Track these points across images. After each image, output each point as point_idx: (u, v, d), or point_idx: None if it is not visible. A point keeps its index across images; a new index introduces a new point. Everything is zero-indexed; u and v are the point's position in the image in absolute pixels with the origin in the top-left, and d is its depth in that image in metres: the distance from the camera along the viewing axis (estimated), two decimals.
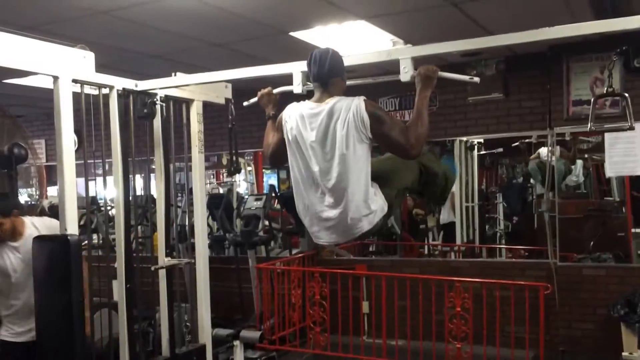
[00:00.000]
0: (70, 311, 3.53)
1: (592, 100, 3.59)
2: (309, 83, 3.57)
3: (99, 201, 8.49)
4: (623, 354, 6.17)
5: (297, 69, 3.59)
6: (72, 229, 3.65)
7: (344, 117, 3.16)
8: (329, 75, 3.30)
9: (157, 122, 4.34)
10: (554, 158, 7.20)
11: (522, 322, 6.18)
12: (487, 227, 10.50)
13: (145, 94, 4.18)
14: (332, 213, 3.26)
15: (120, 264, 4.11)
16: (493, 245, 9.92)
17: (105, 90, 4.02)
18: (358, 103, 3.18)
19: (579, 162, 9.98)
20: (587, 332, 6.84)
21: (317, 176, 3.25)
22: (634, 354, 6.10)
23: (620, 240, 8.22)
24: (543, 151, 8.57)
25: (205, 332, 4.64)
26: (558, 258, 7.05)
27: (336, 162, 3.18)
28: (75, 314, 3.51)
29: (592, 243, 8.56)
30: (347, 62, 3.46)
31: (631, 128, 3.42)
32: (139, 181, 5.02)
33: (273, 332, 7.25)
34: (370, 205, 3.24)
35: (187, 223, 5.83)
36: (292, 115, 3.35)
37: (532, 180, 10.25)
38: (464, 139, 9.18)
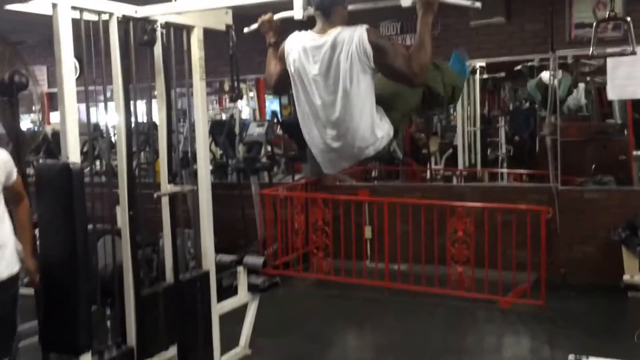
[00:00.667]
0: (74, 239, 3.53)
1: (594, 24, 3.50)
2: (310, 7, 3.50)
3: (101, 128, 8.50)
4: (624, 277, 6.27)
5: None
6: (74, 156, 3.63)
7: (347, 49, 3.08)
8: (331, 4, 3.22)
9: (158, 49, 4.28)
10: (556, 81, 7.13)
11: (523, 245, 6.26)
12: (489, 151, 10.49)
13: (146, 20, 4.11)
14: (337, 144, 3.25)
15: (122, 191, 4.10)
16: (495, 170, 9.94)
17: (105, 17, 3.95)
18: (361, 34, 3.09)
19: (581, 85, 9.90)
20: (588, 255, 6.94)
21: (321, 109, 3.22)
22: (635, 277, 6.20)
23: (621, 163, 8.25)
24: (545, 75, 8.49)
25: (209, 258, 4.68)
26: (560, 182, 7.08)
27: (340, 95, 3.13)
28: (79, 243, 3.52)
29: (593, 166, 8.59)
30: None
31: (633, 53, 3.38)
32: (140, 107, 4.98)
33: (276, 258, 7.36)
34: (376, 132, 3.22)
35: (189, 149, 5.82)
36: (295, 47, 3.28)
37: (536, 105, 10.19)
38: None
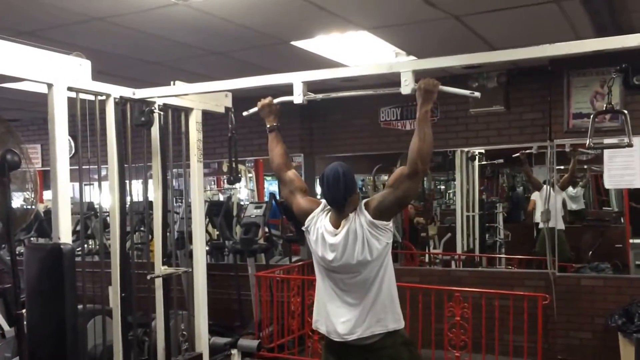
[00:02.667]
0: (63, 323, 3.48)
1: (591, 116, 3.56)
2: (310, 94, 3.58)
3: (95, 207, 8.51)
4: None
5: (297, 79, 3.60)
6: (66, 237, 3.62)
7: (361, 234, 3.35)
8: (345, 198, 3.40)
9: (155, 130, 4.32)
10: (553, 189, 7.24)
11: (520, 331, 6.21)
12: (487, 236, 10.50)
13: (143, 102, 4.16)
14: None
15: (115, 270, 4.08)
16: (493, 255, 9.91)
17: (102, 97, 4.00)
18: (363, 215, 3.37)
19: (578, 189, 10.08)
20: (585, 342, 6.84)
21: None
22: None
23: (618, 250, 8.27)
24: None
25: (203, 341, 4.63)
26: (557, 268, 7.05)
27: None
28: (69, 326, 3.45)
29: (590, 253, 8.59)
30: (348, 74, 3.46)
31: (629, 145, 3.43)
32: (136, 186, 5.01)
33: (272, 340, 7.24)
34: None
35: (185, 230, 5.82)
36: (314, 231, 3.51)
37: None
38: (465, 149, 9.19)
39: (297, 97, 3.62)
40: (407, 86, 3.34)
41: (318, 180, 3.64)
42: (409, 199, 3.53)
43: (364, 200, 3.46)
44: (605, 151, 6.68)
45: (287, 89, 3.69)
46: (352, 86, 3.58)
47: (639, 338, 5.99)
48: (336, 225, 3.44)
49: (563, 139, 7.04)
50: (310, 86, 3.69)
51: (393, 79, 3.42)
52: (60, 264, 3.49)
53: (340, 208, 3.41)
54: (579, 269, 7.72)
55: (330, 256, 3.41)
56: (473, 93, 3.35)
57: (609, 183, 6.89)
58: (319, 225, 3.48)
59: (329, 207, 3.50)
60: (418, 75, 3.39)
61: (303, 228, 3.59)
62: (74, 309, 3.56)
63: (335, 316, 3.47)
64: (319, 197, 4.06)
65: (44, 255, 3.60)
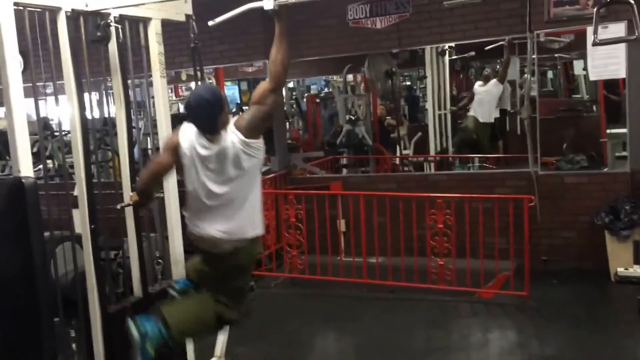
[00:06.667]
0: (30, 256, 3.14)
1: (595, 9, 3.18)
2: None
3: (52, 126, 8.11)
4: (618, 269, 6.06)
5: None
6: (26, 170, 3.27)
7: (232, 152, 3.50)
8: (212, 122, 3.49)
9: (113, 46, 3.91)
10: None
11: (503, 233, 6.05)
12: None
13: (98, 14, 3.74)
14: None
15: (81, 194, 3.74)
16: (468, 155, 9.68)
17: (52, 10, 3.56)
18: (235, 134, 3.49)
19: None
20: (570, 241, 6.75)
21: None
22: (629, 269, 5.99)
23: (592, 141, 8.09)
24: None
25: (179, 267, 4.36)
26: (539, 166, 6.86)
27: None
28: (37, 267, 3.14)
29: (564, 145, 8.42)
30: None
31: (638, 39, 3.07)
32: (94, 102, 4.60)
33: None
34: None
35: (150, 147, 5.44)
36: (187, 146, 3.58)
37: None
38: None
39: (268, 3, 3.27)
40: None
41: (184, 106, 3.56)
42: (275, 112, 3.65)
43: (234, 119, 3.58)
44: (589, 39, 6.34)
45: None
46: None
47: (637, 242, 5.88)
48: (210, 142, 3.54)
49: (544, 29, 6.70)
50: None
51: None
52: (23, 201, 3.15)
53: (211, 131, 3.50)
54: (555, 161, 7.54)
55: (206, 173, 3.56)
56: None
57: (593, 74, 6.55)
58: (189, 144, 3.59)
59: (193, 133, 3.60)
60: None
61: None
62: (41, 249, 3.24)
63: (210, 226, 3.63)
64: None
65: (3, 192, 3.20)
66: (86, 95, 3.82)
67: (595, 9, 3.17)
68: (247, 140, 3.48)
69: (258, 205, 3.73)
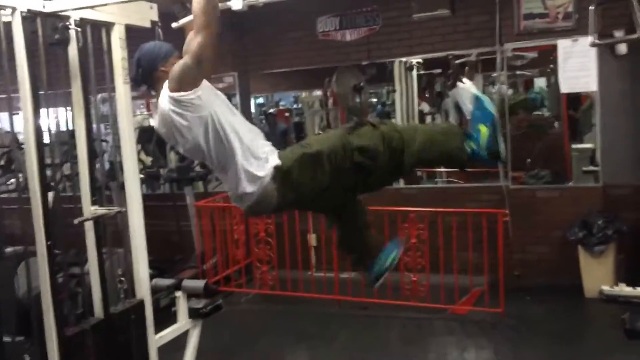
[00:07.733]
0: None
1: (592, 8, 3.06)
2: None
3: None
4: (604, 287, 5.91)
5: None
6: None
7: (166, 114, 2.90)
8: (147, 75, 3.06)
9: (73, 50, 3.71)
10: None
11: (477, 247, 5.96)
12: None
13: (56, 16, 3.54)
14: None
15: (37, 212, 3.52)
16: (437, 169, 9.58)
17: (6, 14, 3.36)
18: (165, 91, 2.89)
19: None
20: (542, 256, 6.66)
21: None
22: (615, 288, 5.89)
23: (557, 156, 8.05)
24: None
25: (144, 286, 4.12)
26: (510, 180, 6.78)
27: None
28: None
29: (528, 160, 8.37)
30: None
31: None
32: (57, 115, 4.38)
33: (217, 272, 6.87)
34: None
35: (115, 160, 5.24)
36: None
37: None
38: (404, 59, 8.73)
39: (236, 3, 3.11)
40: None
41: None
42: (205, 54, 2.83)
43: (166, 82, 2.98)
44: (560, 52, 6.30)
45: None
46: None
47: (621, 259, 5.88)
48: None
49: (514, 43, 6.64)
50: None
51: None
52: None
53: (150, 85, 3.09)
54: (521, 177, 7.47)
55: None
56: None
57: (564, 87, 6.47)
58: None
59: None
60: None
61: None
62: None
63: None
64: None
65: None
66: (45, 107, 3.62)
67: (592, 9, 3.05)
68: (172, 94, 2.84)
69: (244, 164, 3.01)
